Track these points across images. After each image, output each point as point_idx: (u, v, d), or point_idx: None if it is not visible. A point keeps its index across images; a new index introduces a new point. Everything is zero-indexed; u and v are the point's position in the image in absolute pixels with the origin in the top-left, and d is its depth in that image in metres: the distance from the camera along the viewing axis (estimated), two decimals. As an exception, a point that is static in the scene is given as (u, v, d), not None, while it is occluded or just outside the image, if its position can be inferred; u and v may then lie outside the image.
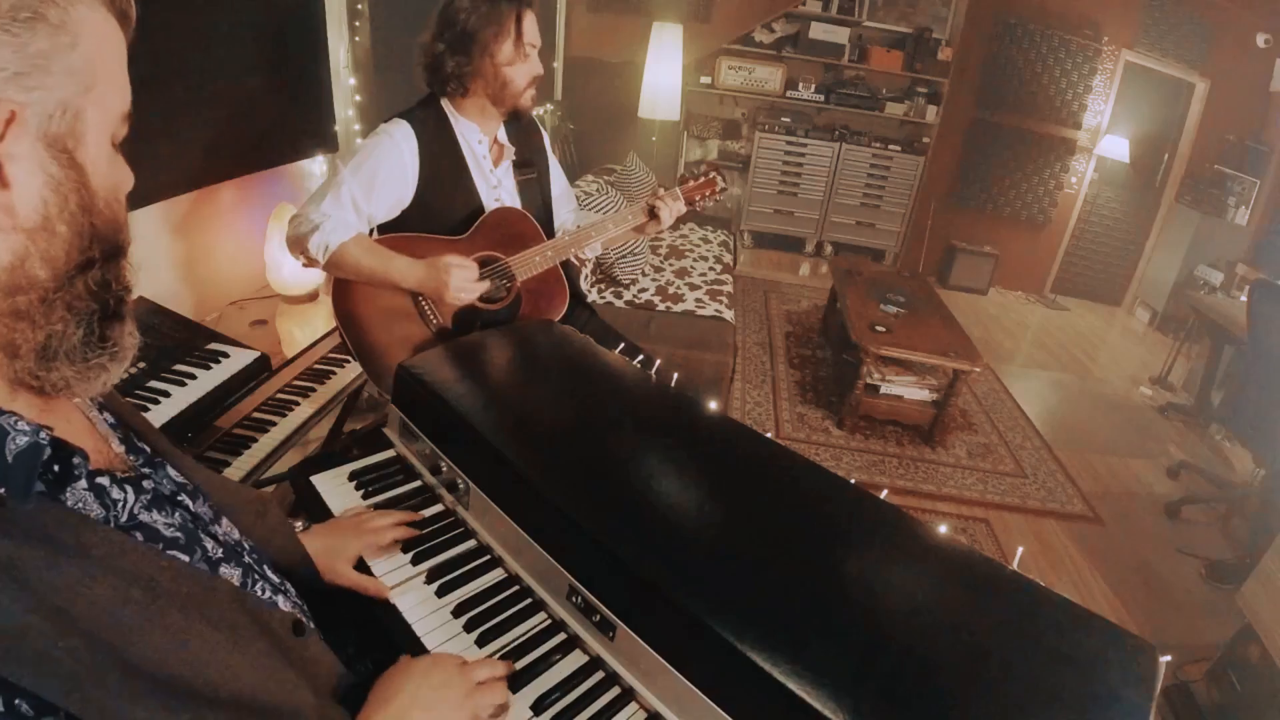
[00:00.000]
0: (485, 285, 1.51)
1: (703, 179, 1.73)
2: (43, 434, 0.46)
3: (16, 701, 0.39)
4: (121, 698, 0.44)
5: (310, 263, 1.44)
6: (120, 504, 0.53)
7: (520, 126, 1.69)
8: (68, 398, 0.53)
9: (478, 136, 1.58)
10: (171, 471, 0.64)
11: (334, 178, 1.46)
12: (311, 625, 0.69)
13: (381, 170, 1.46)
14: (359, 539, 0.93)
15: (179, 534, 0.57)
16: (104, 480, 0.53)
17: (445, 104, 1.56)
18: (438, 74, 1.51)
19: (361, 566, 0.93)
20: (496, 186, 1.63)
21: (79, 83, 0.47)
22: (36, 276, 0.46)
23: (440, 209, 1.55)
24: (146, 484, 0.58)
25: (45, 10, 0.44)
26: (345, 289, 1.49)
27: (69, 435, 0.51)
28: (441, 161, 1.53)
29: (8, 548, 0.42)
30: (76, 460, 0.50)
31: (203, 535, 0.61)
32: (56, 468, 0.48)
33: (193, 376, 1.41)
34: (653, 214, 1.65)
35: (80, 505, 0.49)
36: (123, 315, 0.53)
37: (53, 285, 0.47)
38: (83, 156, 0.48)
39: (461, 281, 1.45)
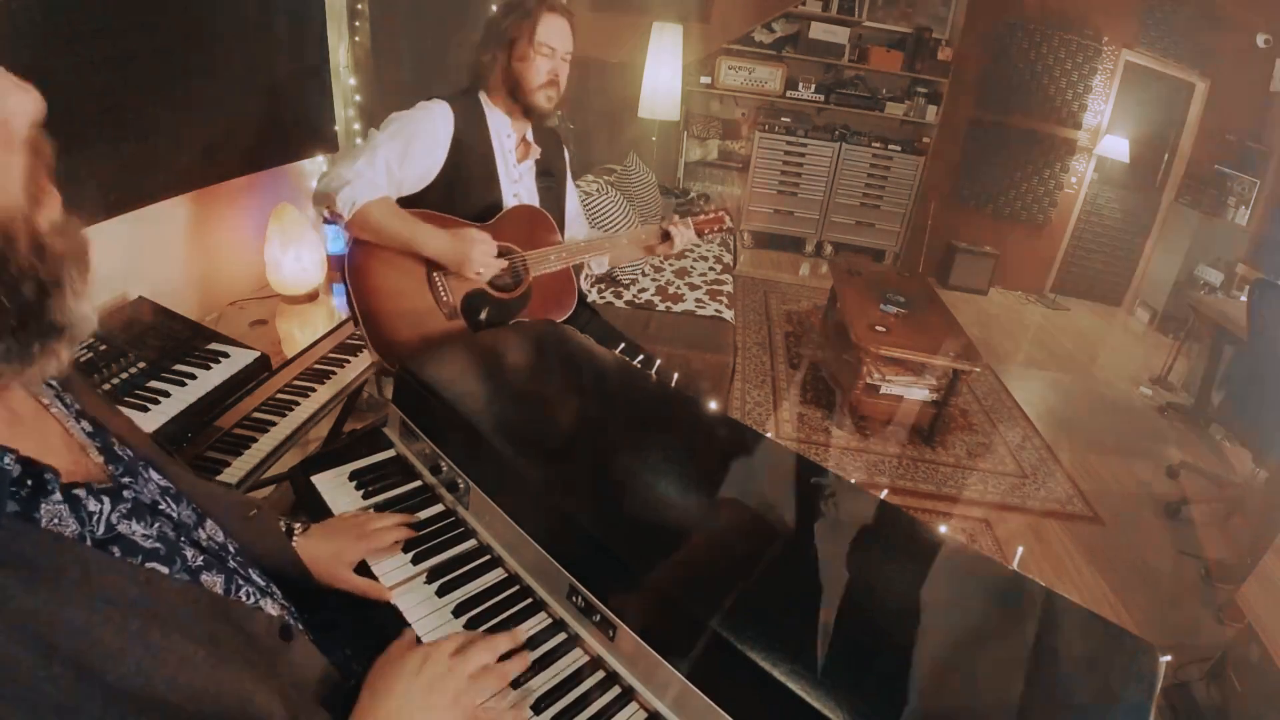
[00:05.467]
0: (503, 263, 1.56)
1: (712, 214, 1.82)
2: (7, 459, 0.45)
3: None
4: None
5: (334, 218, 1.45)
6: (97, 516, 0.52)
7: (547, 139, 1.77)
8: (25, 386, 0.50)
9: (507, 130, 1.65)
10: (155, 475, 0.63)
11: (368, 141, 1.50)
12: (300, 628, 0.68)
13: (417, 139, 1.51)
14: (360, 543, 0.92)
15: (158, 544, 0.56)
16: (80, 492, 0.51)
17: (481, 95, 1.63)
18: (473, 66, 1.61)
19: (362, 567, 0.93)
20: (517, 182, 1.68)
21: None
22: None
23: (462, 192, 1.60)
24: (126, 493, 0.56)
25: None
26: (362, 254, 1.49)
27: (42, 449, 0.50)
28: (471, 145, 1.60)
29: None
30: (48, 476, 0.48)
31: (184, 543, 0.59)
32: (30, 482, 0.47)
33: (193, 376, 1.41)
34: (665, 237, 1.74)
35: (55, 522, 0.48)
36: (47, 300, 0.47)
37: None
38: None
39: (483, 256, 1.51)
